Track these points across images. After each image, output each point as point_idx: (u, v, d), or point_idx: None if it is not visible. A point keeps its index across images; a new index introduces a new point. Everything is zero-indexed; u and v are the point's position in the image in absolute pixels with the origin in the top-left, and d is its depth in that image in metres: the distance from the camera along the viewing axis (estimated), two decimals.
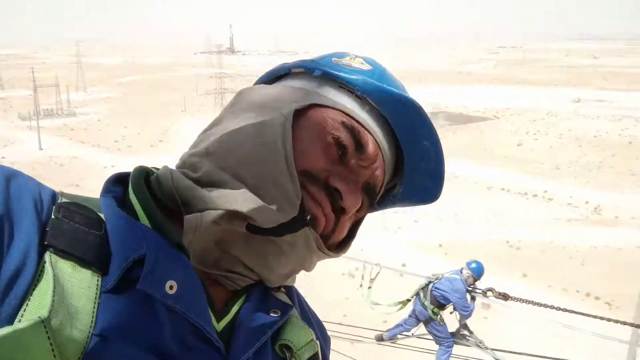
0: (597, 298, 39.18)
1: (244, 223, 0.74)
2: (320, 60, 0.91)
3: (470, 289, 7.68)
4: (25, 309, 0.56)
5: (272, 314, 0.80)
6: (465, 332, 7.91)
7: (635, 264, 39.35)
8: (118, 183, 0.80)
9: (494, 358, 7.26)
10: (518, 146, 67.46)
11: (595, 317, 5.86)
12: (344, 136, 0.82)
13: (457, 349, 8.17)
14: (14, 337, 0.51)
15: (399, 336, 8.68)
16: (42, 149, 62.88)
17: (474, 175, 59.11)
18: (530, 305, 6.68)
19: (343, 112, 0.84)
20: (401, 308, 8.32)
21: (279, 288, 0.89)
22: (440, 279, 7.95)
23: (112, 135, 78.27)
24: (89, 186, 57.31)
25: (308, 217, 0.76)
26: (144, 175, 0.83)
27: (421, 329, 8.36)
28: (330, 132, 0.82)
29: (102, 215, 0.70)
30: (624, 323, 5.88)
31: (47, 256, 0.60)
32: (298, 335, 0.83)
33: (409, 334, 8.58)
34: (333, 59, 0.91)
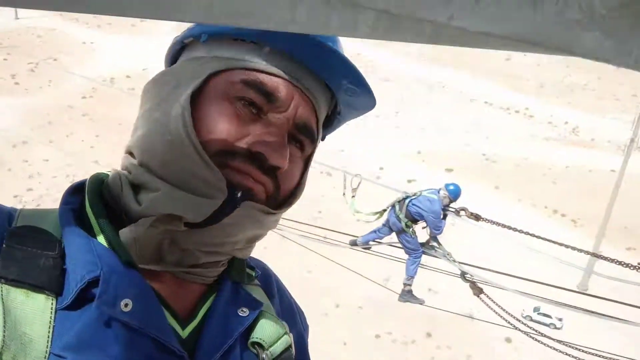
0: (563, 215, 40.70)
1: (180, 222, 0.74)
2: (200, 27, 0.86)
3: (443, 208, 7.85)
4: None
5: (240, 313, 0.81)
6: (435, 244, 8.16)
7: (605, 186, 40.51)
8: (76, 193, 0.81)
9: (460, 270, 7.53)
10: (506, 60, 66.61)
11: (555, 242, 6.03)
12: (250, 94, 0.78)
13: (425, 260, 8.45)
14: None
15: (371, 243, 8.94)
16: (18, 18, 59.98)
17: (458, 85, 58.64)
18: (500, 227, 6.85)
19: (242, 69, 0.79)
20: (378, 218, 8.52)
21: (251, 280, 0.91)
22: (418, 197, 8.09)
23: None
24: (66, 62, 55.51)
25: (239, 194, 0.74)
26: (100, 183, 0.82)
27: (393, 238, 8.60)
28: (234, 96, 0.78)
29: (57, 233, 0.72)
30: (581, 251, 6.09)
31: (0, 288, 0.62)
32: (270, 331, 0.84)
33: (381, 241, 8.85)
34: None
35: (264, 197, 0.79)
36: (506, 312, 6.64)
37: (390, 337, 26.32)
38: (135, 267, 0.73)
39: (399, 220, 8.06)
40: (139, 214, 0.74)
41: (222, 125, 0.76)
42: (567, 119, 53.32)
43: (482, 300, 6.59)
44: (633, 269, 5.18)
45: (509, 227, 6.26)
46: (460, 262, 7.42)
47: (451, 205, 8.01)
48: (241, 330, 0.80)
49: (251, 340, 0.82)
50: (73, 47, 58.71)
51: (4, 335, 0.59)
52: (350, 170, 8.02)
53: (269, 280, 0.98)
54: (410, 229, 8.02)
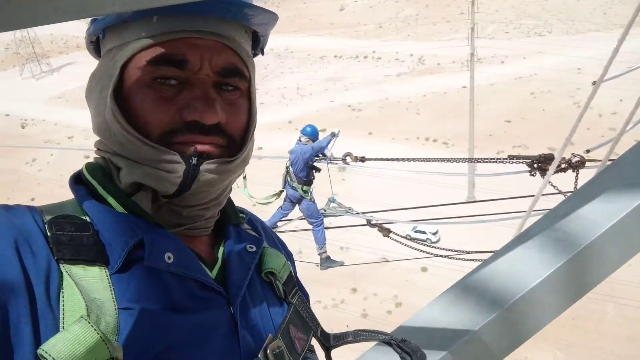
0: (434, 140, 43.17)
1: (157, 194, 0.84)
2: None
3: (318, 157, 7.97)
4: (64, 313, 0.69)
5: (249, 250, 0.93)
6: (335, 204, 8.29)
7: (460, 103, 43.46)
8: (79, 182, 0.88)
9: (365, 219, 7.73)
10: (340, 11, 68.38)
11: (435, 160, 6.34)
12: (161, 71, 0.81)
13: (330, 221, 8.57)
14: (72, 338, 0.65)
15: (278, 224, 8.90)
16: None
17: (305, 47, 59.52)
18: (384, 162, 7.09)
19: (144, 49, 0.81)
20: (277, 198, 8.47)
21: (245, 221, 1.02)
22: (290, 157, 8.15)
23: None
24: None
25: (194, 161, 0.80)
26: (100, 168, 0.89)
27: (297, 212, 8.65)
28: (150, 78, 0.81)
29: (84, 217, 0.80)
30: (460, 160, 6.47)
31: (63, 267, 0.72)
32: (276, 261, 0.96)
33: (288, 219, 8.85)
34: None
35: (219, 151, 0.84)
36: (413, 241, 6.96)
37: (321, 304, 26.82)
38: (163, 227, 0.83)
39: (295, 189, 8.08)
40: (123, 189, 0.84)
41: (152, 113, 0.81)
42: (411, 51, 56.12)
43: (392, 239, 6.84)
44: (507, 162, 5.56)
45: (397, 160, 6.50)
46: (362, 212, 7.61)
47: (333, 154, 8.12)
48: (255, 263, 0.92)
49: (265, 270, 0.94)
50: None
51: (85, 301, 0.69)
52: None
53: (253, 222, 1.07)
54: (308, 194, 8.06)
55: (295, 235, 9.04)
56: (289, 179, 8.17)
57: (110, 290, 0.74)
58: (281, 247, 1.12)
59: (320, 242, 8.23)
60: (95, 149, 0.91)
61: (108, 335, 0.69)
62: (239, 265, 0.89)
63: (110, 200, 0.83)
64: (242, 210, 1.07)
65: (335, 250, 23.39)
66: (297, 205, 8.35)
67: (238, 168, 0.89)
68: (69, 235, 0.76)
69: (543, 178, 4.74)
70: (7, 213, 0.76)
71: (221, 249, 0.92)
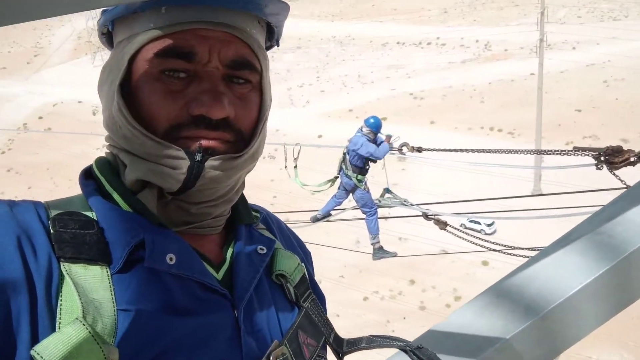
0: (499, 130, 41.92)
1: (163, 191, 0.83)
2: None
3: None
4: (60, 313, 0.68)
5: (259, 251, 0.90)
6: (390, 195, 8.18)
7: (528, 91, 41.94)
8: (89, 177, 0.87)
9: (421, 211, 7.60)
10: None
11: (495, 151, 6.11)
12: (169, 63, 0.80)
13: (388, 212, 8.48)
14: (66, 338, 0.65)
15: (332, 212, 8.89)
16: None
17: (367, 34, 59.01)
18: (443, 152, 6.93)
19: (152, 40, 0.80)
20: (331, 185, 8.46)
21: (257, 224, 0.98)
22: (348, 146, 8.19)
23: None
24: None
25: (199, 157, 0.79)
26: (107, 164, 0.88)
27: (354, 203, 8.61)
28: (158, 71, 0.80)
29: (89, 214, 0.80)
30: (525, 152, 6.17)
31: (63, 266, 0.71)
32: (288, 263, 0.93)
33: (341, 208, 8.82)
34: None
35: (226, 146, 0.82)
36: (473, 236, 6.76)
37: (378, 295, 26.75)
38: (167, 227, 0.82)
39: (350, 177, 8.04)
40: (128, 185, 0.83)
41: (159, 107, 0.79)
42: (477, 37, 54.57)
43: (449, 232, 6.70)
44: (572, 154, 5.30)
45: (455, 150, 6.34)
46: (418, 204, 7.49)
47: (393, 143, 8.04)
48: (264, 266, 0.89)
49: (275, 272, 0.91)
50: None
51: (81, 302, 0.68)
52: (296, 149, 7.93)
53: (268, 221, 1.05)
54: (363, 183, 8.00)
55: (352, 224, 9.02)
56: (344, 167, 8.13)
57: (111, 291, 0.73)
58: (299, 247, 1.09)
59: (374, 232, 8.16)
60: (107, 143, 0.90)
61: (105, 336, 0.68)
62: (247, 267, 0.87)
63: (116, 197, 0.83)
64: (257, 209, 1.05)
65: (393, 241, 23.19)
66: (350, 194, 8.31)
67: (246, 164, 0.87)
68: (71, 233, 0.75)
69: (610, 172, 4.49)
70: (11, 209, 0.75)
71: (230, 250, 0.90)
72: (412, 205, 7.42)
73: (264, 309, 0.87)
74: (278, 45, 0.98)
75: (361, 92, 47.81)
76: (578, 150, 5.11)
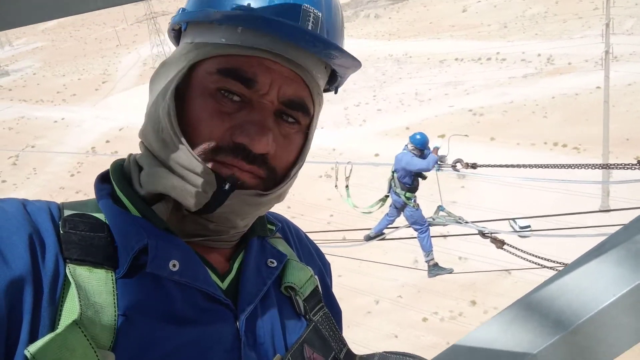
0: (564, 145, 40.51)
1: (181, 206, 0.83)
2: (188, 4, 0.87)
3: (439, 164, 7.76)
4: (60, 314, 0.68)
5: (269, 264, 0.90)
6: (444, 213, 8.03)
7: (594, 105, 40.40)
8: (104, 181, 0.87)
9: (477, 229, 7.40)
10: (463, 12, 66.54)
11: (556, 166, 5.85)
12: (228, 83, 0.79)
13: (446, 230, 8.31)
14: (60, 341, 0.65)
15: (385, 231, 8.81)
16: None
17: (425, 51, 58.64)
18: (498, 168, 6.74)
19: (219, 55, 0.80)
20: (382, 205, 8.42)
21: (273, 234, 0.99)
22: (394, 164, 8.08)
23: (53, 86, 74.80)
24: (45, 145, 55.57)
25: (227, 186, 0.79)
26: (121, 168, 0.89)
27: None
28: (215, 88, 0.79)
29: (101, 217, 0.80)
30: (593, 167, 5.85)
31: (67, 267, 0.71)
32: (299, 275, 0.93)
33: (395, 226, 8.72)
34: None
35: (256, 182, 0.82)
36: (533, 255, 6.49)
37: (437, 316, 26.12)
38: (173, 233, 0.81)
39: (399, 195, 7.97)
40: (143, 194, 0.83)
41: (205, 123, 0.79)
42: (538, 51, 53.21)
43: (507, 251, 6.47)
44: (635, 168, 5.01)
45: (513, 166, 6.12)
46: (473, 222, 7.30)
47: (445, 160, 7.93)
48: (273, 279, 0.89)
49: (284, 285, 0.91)
50: (46, 129, 58.82)
51: (80, 305, 0.68)
52: (348, 167, 7.93)
53: (287, 231, 1.05)
54: (412, 201, 7.91)
55: (409, 243, 8.89)
56: (393, 185, 8.08)
57: (114, 295, 0.72)
58: (317, 257, 1.08)
59: (427, 249, 8.02)
60: (140, 140, 0.90)
61: (102, 341, 0.68)
62: (255, 279, 0.87)
63: (125, 201, 0.83)
64: (274, 221, 1.04)
65: (453, 261, 22.68)
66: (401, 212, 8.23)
67: (270, 202, 0.86)
68: (80, 235, 0.75)
69: None
70: (25, 208, 0.75)
71: (238, 260, 0.89)
72: (466, 222, 7.24)
73: (269, 321, 0.86)
74: (336, 93, 0.98)
75: (418, 109, 47.41)
76: None
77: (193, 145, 0.79)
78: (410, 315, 25.63)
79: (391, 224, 8.59)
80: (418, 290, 26.68)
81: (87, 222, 0.78)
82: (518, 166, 6.03)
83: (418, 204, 8.00)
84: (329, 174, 28.67)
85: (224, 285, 0.84)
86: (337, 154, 37.31)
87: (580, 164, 5.94)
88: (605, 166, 6.14)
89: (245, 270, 0.87)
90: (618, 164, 5.57)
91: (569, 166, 5.71)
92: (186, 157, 0.78)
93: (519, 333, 0.77)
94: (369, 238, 8.85)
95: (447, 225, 7.84)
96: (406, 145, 8.03)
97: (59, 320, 0.68)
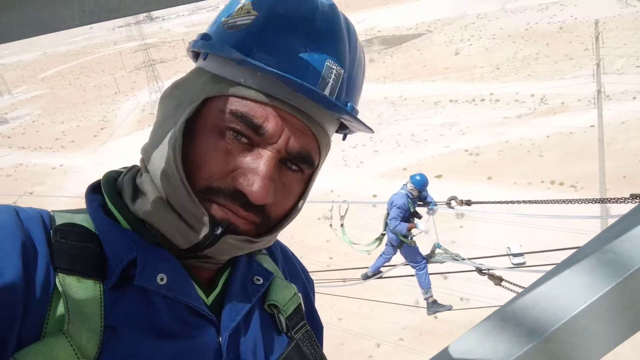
0: (561, 184, 40.61)
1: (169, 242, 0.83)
2: (211, 28, 0.86)
3: (414, 200, 7.76)
4: (47, 323, 0.69)
5: (255, 282, 0.91)
6: (441, 250, 8.01)
7: (589, 143, 40.74)
8: (96, 191, 0.87)
9: (474, 266, 7.37)
10: (456, 55, 67.81)
11: (550, 202, 5.88)
12: (239, 126, 0.78)
13: (446, 267, 8.28)
14: (46, 350, 0.66)
15: (382, 269, 8.76)
16: None
17: (420, 93, 59.47)
18: (494, 205, 6.76)
19: (234, 96, 0.79)
20: (379, 244, 8.40)
21: (260, 251, 1.00)
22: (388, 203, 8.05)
23: (51, 133, 75.38)
24: (44, 191, 55.55)
25: (219, 231, 0.78)
26: (113, 181, 0.89)
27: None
28: (225, 126, 0.78)
29: (91, 227, 0.80)
30: (590, 201, 5.88)
31: (57, 276, 0.72)
32: (282, 294, 0.94)
33: (392, 264, 8.68)
34: (222, 19, 0.84)
35: (249, 228, 0.82)
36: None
37: None
38: (163, 247, 0.82)
39: (395, 233, 7.96)
40: (133, 212, 0.83)
41: (209, 162, 0.78)
42: (532, 91, 53.99)
43: (505, 287, 6.43)
44: (629, 202, 5.06)
45: (507, 202, 6.15)
46: (470, 259, 7.28)
47: (431, 197, 7.95)
48: (258, 296, 0.90)
49: (268, 302, 0.92)
50: (45, 175, 58.89)
51: (68, 315, 0.69)
52: (344, 207, 7.94)
53: (273, 248, 1.06)
54: (409, 238, 7.89)
55: (408, 285, 8.82)
56: (388, 223, 8.08)
57: (101, 306, 0.73)
58: (302, 274, 1.10)
59: (425, 286, 7.96)
60: (141, 156, 0.88)
61: (87, 351, 0.69)
62: (240, 295, 0.88)
63: (116, 214, 0.83)
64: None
65: (455, 301, 22.42)
66: (398, 250, 8.20)
67: (259, 246, 0.86)
68: (70, 245, 0.75)
69: None
70: (18, 216, 0.75)
71: (224, 276, 0.90)
72: (463, 260, 7.22)
73: (251, 338, 0.87)
74: (344, 139, 1.01)
75: (415, 150, 47.76)
76: (636, 197, 4.88)
77: (194, 180, 0.78)
78: (412, 358, 25.15)
79: (388, 261, 8.55)
80: (420, 333, 26.26)
81: (77, 232, 0.78)
82: (512, 202, 6.06)
83: (415, 242, 7.98)
84: (327, 216, 28.61)
85: (209, 300, 0.85)
86: (334, 195, 37.34)
87: (573, 199, 5.95)
88: (599, 200, 6.16)
89: (231, 286, 0.88)
90: (612, 198, 5.59)
91: (563, 201, 5.74)
92: (184, 195, 0.78)
93: (495, 342, 0.78)
94: (366, 277, 8.79)
95: (444, 262, 7.80)
96: (405, 184, 8.05)
97: (46, 328, 0.68)
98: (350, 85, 0.84)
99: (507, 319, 0.80)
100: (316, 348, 0.95)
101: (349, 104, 0.84)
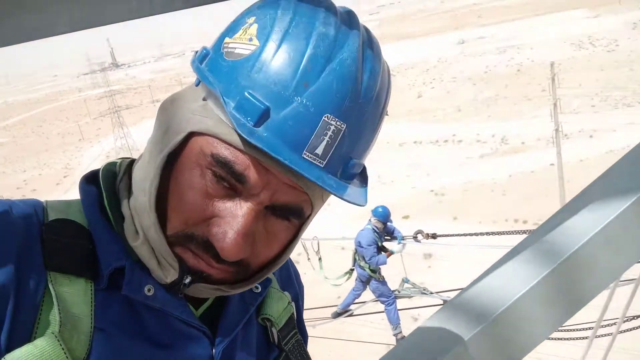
0: (524, 222, 41.45)
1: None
2: (215, 44, 0.77)
3: (380, 234, 7.88)
4: (38, 324, 0.68)
5: (254, 290, 0.89)
6: (409, 285, 8.10)
7: (550, 181, 41.94)
8: (91, 182, 0.84)
9: (442, 299, 7.47)
10: (418, 98, 69.61)
11: (516, 232, 6.11)
12: (219, 171, 0.71)
13: (413, 302, 8.34)
14: (37, 353, 0.64)
15: (352, 306, 8.78)
16: None
17: (384, 136, 60.62)
18: (458, 237, 6.97)
19: (219, 139, 0.71)
20: (349, 277, 8.44)
21: None
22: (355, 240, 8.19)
23: (13, 182, 73.51)
24: None
25: (187, 280, 0.75)
26: (113, 177, 0.85)
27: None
28: (205, 164, 0.72)
29: (84, 222, 0.78)
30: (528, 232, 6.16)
31: (49, 276, 0.71)
32: (276, 306, 0.93)
33: (361, 301, 8.72)
34: (225, 40, 0.75)
35: (224, 276, 0.77)
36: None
37: None
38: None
39: (363, 268, 8.02)
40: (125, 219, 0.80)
41: (186, 205, 0.73)
42: (493, 132, 55.60)
43: None
44: None
45: (469, 234, 6.37)
46: (437, 292, 7.39)
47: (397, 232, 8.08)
48: (256, 305, 0.90)
49: (262, 316, 0.91)
50: None
51: (60, 317, 0.68)
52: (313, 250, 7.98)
53: None
54: (377, 273, 7.96)
55: (377, 326, 8.80)
56: (357, 258, 8.16)
57: (91, 307, 0.72)
58: (295, 278, 1.07)
59: (394, 322, 8.02)
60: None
61: (77, 352, 0.68)
62: (237, 306, 0.86)
63: (111, 216, 0.80)
64: None
65: None
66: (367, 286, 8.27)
67: (236, 292, 0.82)
68: (63, 242, 0.73)
69: None
70: (12, 213, 0.73)
71: None
72: (431, 293, 7.33)
73: (244, 350, 0.86)
74: None
75: (382, 192, 48.18)
76: None
77: (170, 220, 0.75)
78: None
79: (358, 298, 8.59)
80: None
81: (69, 228, 0.76)
82: (475, 234, 6.25)
83: (383, 277, 8.06)
84: (296, 260, 28.41)
85: (198, 312, 0.83)
86: (302, 238, 37.21)
87: (522, 230, 6.21)
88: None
89: (229, 298, 0.86)
90: None
91: (524, 232, 5.97)
92: (157, 237, 0.74)
93: (449, 328, 0.86)
94: (336, 315, 8.79)
95: (412, 297, 7.88)
96: (369, 220, 8.18)
97: (37, 329, 0.67)
98: (354, 138, 0.73)
99: (459, 307, 0.88)
100: (305, 357, 0.94)
101: (351, 160, 0.74)
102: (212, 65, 0.74)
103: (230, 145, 0.70)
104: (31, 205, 0.77)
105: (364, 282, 8.27)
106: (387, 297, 8.04)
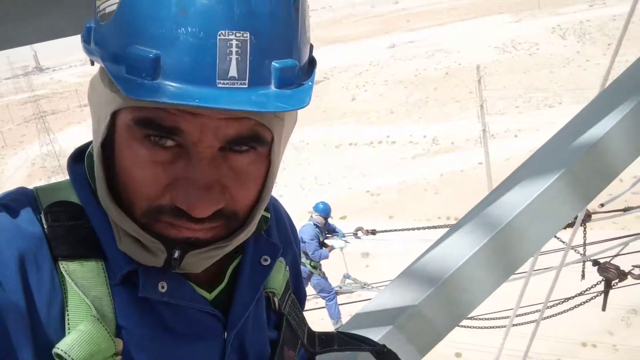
0: (456, 219, 42.78)
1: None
2: (94, 19, 0.71)
3: (322, 230, 8.07)
4: (68, 314, 0.69)
5: (263, 262, 0.89)
6: (350, 281, 8.30)
7: (479, 180, 43.61)
8: (78, 160, 0.82)
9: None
10: (352, 101, 70.70)
11: (449, 227, 6.48)
12: (152, 132, 0.67)
13: (353, 297, 8.52)
14: (87, 338, 0.67)
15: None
16: None
17: (321, 138, 61.15)
18: (396, 233, 7.21)
19: (136, 107, 0.66)
20: None
21: (267, 223, 0.97)
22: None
23: None
24: None
25: (176, 254, 0.72)
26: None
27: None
28: (141, 136, 0.67)
29: (76, 200, 0.77)
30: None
31: (61, 265, 0.71)
32: (278, 278, 0.95)
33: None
34: (96, 5, 0.69)
35: (213, 233, 0.73)
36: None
37: None
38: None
39: (304, 264, 8.15)
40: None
41: (140, 182, 0.69)
42: (424, 133, 57.20)
43: None
44: None
45: (406, 229, 6.64)
46: (377, 286, 7.62)
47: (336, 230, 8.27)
48: (265, 280, 0.89)
49: (267, 290, 0.93)
50: None
51: (91, 301, 0.70)
52: None
53: (275, 217, 1.04)
54: (318, 269, 8.11)
55: (318, 324, 8.94)
56: (310, 256, 8.27)
57: (107, 285, 0.73)
58: (292, 236, 1.08)
59: (335, 316, 8.19)
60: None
61: (111, 329, 0.72)
62: (250, 285, 0.86)
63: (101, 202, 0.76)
64: (268, 206, 0.99)
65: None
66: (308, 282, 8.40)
67: (234, 245, 0.78)
68: (64, 227, 0.73)
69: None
70: (11, 217, 0.71)
71: (232, 265, 0.88)
72: (372, 287, 7.55)
73: (255, 327, 0.89)
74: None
75: (319, 193, 48.49)
76: None
77: (132, 205, 0.72)
78: None
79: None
80: None
81: (66, 211, 0.75)
82: (413, 229, 6.51)
83: (324, 272, 8.20)
84: None
85: (212, 295, 0.84)
86: None
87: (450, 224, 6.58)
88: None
89: (240, 276, 0.86)
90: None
91: (447, 226, 6.33)
92: (130, 225, 0.72)
93: (404, 292, 0.99)
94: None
95: (353, 292, 8.07)
96: (311, 216, 8.30)
97: (69, 318, 0.69)
98: (266, 39, 0.63)
99: (412, 274, 1.01)
100: (299, 314, 0.98)
101: (281, 63, 0.65)
102: (97, 36, 0.69)
103: (140, 107, 0.66)
104: (25, 199, 0.75)
105: (305, 279, 8.40)
106: (328, 292, 8.20)
